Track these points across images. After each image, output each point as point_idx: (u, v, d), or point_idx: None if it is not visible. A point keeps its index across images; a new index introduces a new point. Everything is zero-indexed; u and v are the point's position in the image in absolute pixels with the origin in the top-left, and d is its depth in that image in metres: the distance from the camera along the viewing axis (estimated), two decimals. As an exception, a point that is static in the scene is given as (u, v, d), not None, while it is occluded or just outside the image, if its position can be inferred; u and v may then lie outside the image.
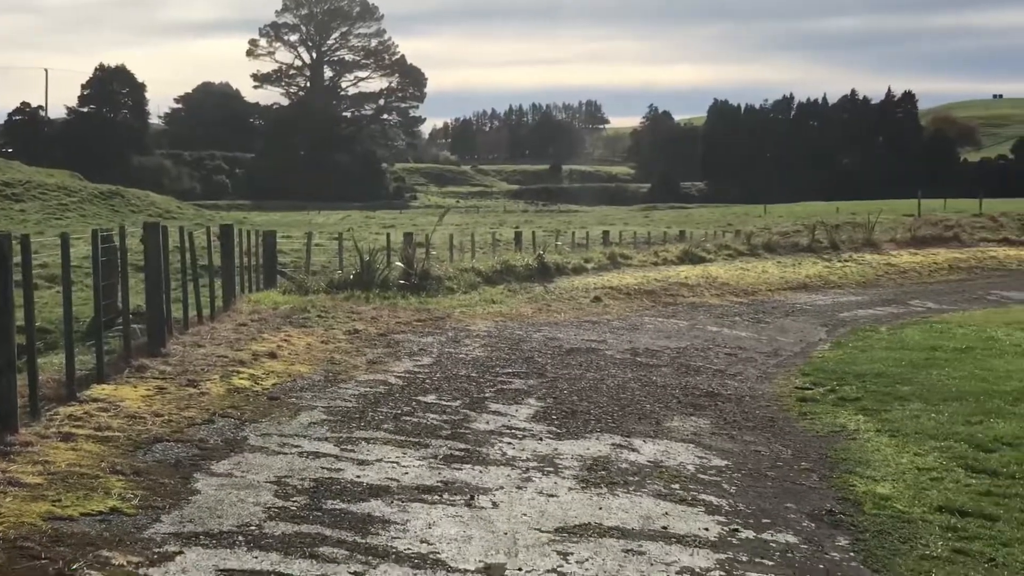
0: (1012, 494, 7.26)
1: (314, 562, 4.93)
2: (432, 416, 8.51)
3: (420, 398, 9.19)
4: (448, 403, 9.08)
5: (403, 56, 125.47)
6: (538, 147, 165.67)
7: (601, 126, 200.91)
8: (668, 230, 32.73)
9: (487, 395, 9.57)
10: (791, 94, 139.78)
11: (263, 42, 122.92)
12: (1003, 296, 22.20)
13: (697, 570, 5.35)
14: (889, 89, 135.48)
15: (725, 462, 7.89)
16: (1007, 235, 32.84)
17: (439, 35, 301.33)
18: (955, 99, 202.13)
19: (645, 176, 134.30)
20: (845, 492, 7.23)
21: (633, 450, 7.97)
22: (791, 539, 6.09)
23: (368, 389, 9.43)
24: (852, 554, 5.91)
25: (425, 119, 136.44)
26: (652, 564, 5.37)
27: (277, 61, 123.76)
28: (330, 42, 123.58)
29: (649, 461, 7.67)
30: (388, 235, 21.67)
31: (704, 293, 19.56)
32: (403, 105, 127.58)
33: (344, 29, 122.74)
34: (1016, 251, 30.14)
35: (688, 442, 8.46)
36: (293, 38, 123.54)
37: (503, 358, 11.68)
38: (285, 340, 11.46)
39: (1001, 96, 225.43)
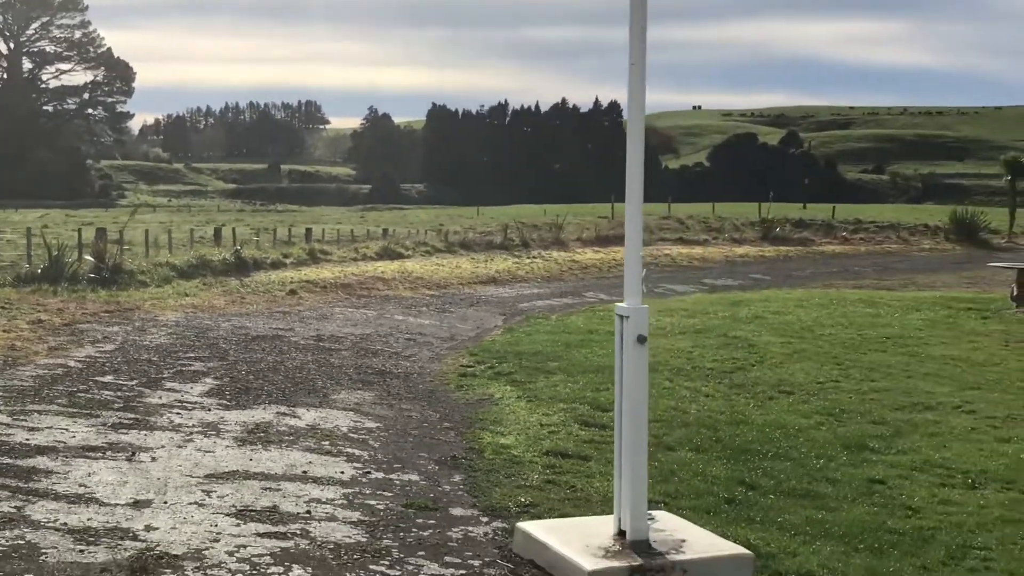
0: (610, 441, 8.71)
1: (-24, 502, 5.62)
2: (107, 393, 9.14)
3: (98, 378, 9.78)
4: (125, 382, 9.72)
5: (109, 49, 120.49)
6: (256, 146, 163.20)
7: (321, 126, 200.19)
8: (372, 228, 33.95)
9: (165, 375, 10.26)
10: (506, 100, 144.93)
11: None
12: (668, 288, 24.70)
13: (323, 500, 6.39)
14: (597, 99, 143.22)
15: (377, 425, 9.00)
16: (683, 235, 36.15)
17: (149, 28, 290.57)
18: (658, 110, 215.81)
19: (366, 177, 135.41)
20: (473, 443, 8.47)
21: (296, 417, 8.93)
22: (414, 478, 7.24)
23: (46, 371, 9.91)
24: (461, 487, 7.12)
25: (134, 115, 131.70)
26: (285, 496, 6.37)
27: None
28: (29, 33, 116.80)
29: (307, 425, 8.65)
30: (80, 231, 21.57)
31: (398, 286, 20.76)
32: (109, 100, 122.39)
33: (45, 19, 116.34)
34: (688, 249, 33.32)
35: (349, 410, 9.51)
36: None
37: (187, 344, 12.34)
38: (-35, 330, 11.63)
39: (700, 107, 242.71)
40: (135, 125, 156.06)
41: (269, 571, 5.03)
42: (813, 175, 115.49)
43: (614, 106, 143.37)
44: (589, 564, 5.09)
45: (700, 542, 5.46)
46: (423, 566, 5.32)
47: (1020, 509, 7.14)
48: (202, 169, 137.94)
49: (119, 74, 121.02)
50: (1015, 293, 20.04)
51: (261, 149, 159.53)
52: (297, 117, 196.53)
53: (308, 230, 26.32)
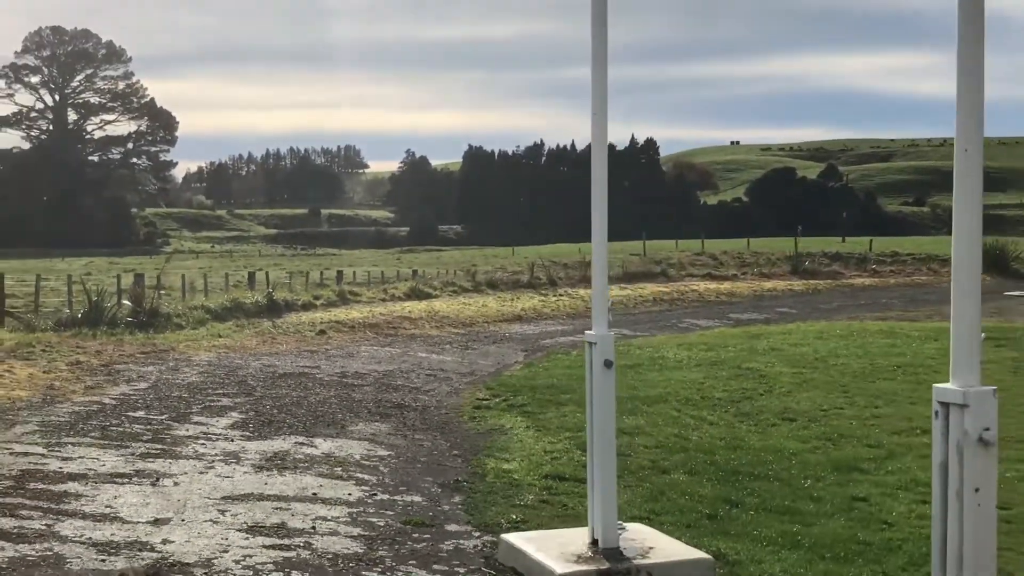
0: (621, 467, 9.09)
1: (13, 519, 6.25)
2: (138, 426, 9.79)
3: (130, 413, 10.44)
4: (155, 417, 10.37)
5: (152, 99, 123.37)
6: (297, 191, 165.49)
7: (360, 170, 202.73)
8: (403, 270, 34.72)
9: (193, 410, 10.90)
10: (542, 140, 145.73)
11: (1, 84, 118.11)
12: (692, 323, 25.14)
13: (328, 518, 6.94)
14: (633, 136, 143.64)
15: (390, 453, 9.54)
16: (712, 271, 36.53)
17: (191, 77, 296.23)
18: (696, 145, 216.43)
19: (405, 220, 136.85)
20: (477, 469, 8.99)
21: (312, 446, 9.50)
22: (417, 499, 7.77)
23: (82, 408, 10.58)
24: (460, 507, 7.63)
25: (177, 163, 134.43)
26: (294, 515, 6.93)
27: (17, 104, 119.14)
28: (74, 84, 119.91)
29: (323, 453, 9.22)
30: (119, 276, 22.45)
31: (425, 325, 21.38)
32: (153, 149, 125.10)
33: (89, 71, 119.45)
34: (716, 285, 33.71)
35: (364, 440, 10.07)
36: (34, 80, 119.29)
37: (217, 382, 13.00)
38: (7, 371, 12.37)
39: (738, 143, 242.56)
40: (178, 173, 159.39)
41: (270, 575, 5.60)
42: (853, 208, 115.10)
43: (650, 143, 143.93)
44: (561, 568, 5.59)
45: (666, 549, 5.94)
46: (411, 573, 5.85)
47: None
48: (244, 215, 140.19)
49: (162, 123, 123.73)
50: (1034, 321, 20.30)
51: (301, 194, 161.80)
52: (336, 162, 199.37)
53: (339, 272, 27.13)
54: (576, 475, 8.73)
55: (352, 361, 16.01)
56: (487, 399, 13.20)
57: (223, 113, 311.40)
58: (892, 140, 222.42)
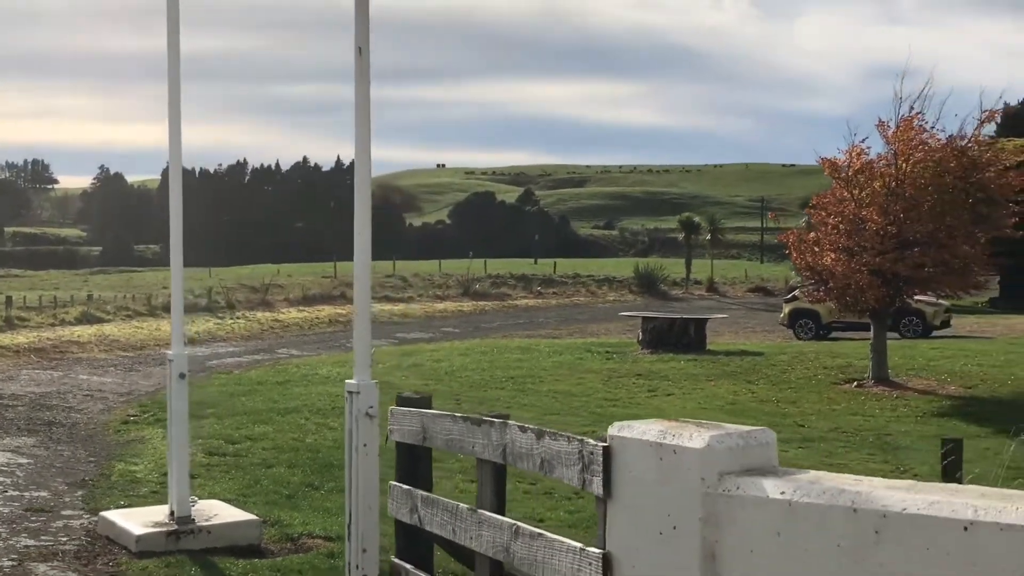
0: (220, 464, 11.02)
1: None
2: None
3: None
4: None
5: None
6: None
7: (50, 186, 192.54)
8: (79, 293, 34.84)
9: None
10: (245, 159, 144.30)
11: None
12: (359, 343, 27.23)
13: (-43, 509, 8.39)
14: (339, 157, 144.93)
15: (29, 460, 10.93)
16: (389, 293, 38.86)
17: None
18: (403, 168, 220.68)
19: (98, 239, 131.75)
20: (106, 471, 10.56)
21: (-45, 458, 10.76)
22: (43, 494, 9.30)
23: None
24: (80, 499, 9.22)
25: None
26: (-74, 509, 8.34)
27: None
28: None
29: (-36, 463, 10.51)
30: None
31: (93, 349, 22.29)
32: None
33: None
34: (392, 306, 36.07)
35: (8, 452, 11.37)
36: None
37: None
38: None
39: (444, 165, 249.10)
40: None
41: None
42: (548, 231, 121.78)
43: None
44: (139, 531, 7.39)
45: (227, 514, 7.88)
46: (20, 540, 7.47)
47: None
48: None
49: None
50: (640, 337, 23.79)
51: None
52: (23, 176, 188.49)
53: (9, 297, 27.22)
54: (193, 472, 10.49)
55: (10, 384, 16.92)
56: (136, 415, 14.63)
57: None
58: (588, 166, 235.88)
